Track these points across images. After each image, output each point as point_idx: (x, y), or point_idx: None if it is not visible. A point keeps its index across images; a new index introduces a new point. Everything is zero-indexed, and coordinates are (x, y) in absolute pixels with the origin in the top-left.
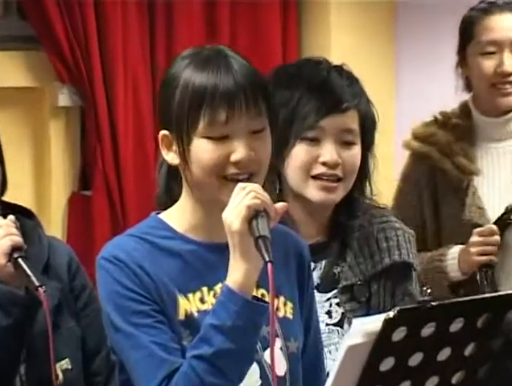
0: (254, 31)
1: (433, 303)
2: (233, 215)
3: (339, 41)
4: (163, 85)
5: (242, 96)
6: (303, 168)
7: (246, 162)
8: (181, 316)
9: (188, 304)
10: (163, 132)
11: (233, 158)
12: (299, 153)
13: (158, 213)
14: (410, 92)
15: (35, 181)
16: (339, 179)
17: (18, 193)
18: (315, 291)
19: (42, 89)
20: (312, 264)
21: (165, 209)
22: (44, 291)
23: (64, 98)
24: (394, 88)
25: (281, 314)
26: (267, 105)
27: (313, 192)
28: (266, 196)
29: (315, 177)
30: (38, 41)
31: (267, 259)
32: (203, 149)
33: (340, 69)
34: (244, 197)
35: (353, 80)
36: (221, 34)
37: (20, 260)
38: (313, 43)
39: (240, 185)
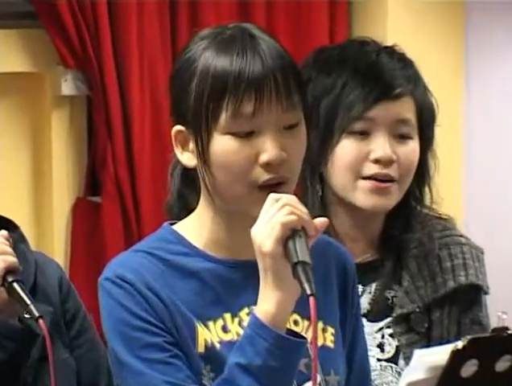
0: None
1: (510, 332)
2: (265, 233)
3: (397, 24)
4: (177, 71)
5: (272, 83)
6: (351, 167)
7: (277, 164)
8: (200, 348)
9: (209, 334)
10: (177, 127)
11: (262, 158)
12: (345, 149)
13: (172, 223)
14: (481, 85)
15: (33, 184)
16: (392, 180)
17: (14, 199)
18: (364, 319)
19: (42, 75)
20: (360, 287)
21: (178, 220)
22: (30, 318)
23: (68, 85)
24: (463, 80)
25: (319, 342)
26: (302, 95)
27: (362, 196)
28: (303, 210)
29: (365, 178)
30: (37, 17)
31: (309, 292)
32: (226, 148)
33: (391, 50)
34: (277, 211)
35: (406, 63)
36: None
37: (15, 284)
38: (365, 27)
39: (272, 196)
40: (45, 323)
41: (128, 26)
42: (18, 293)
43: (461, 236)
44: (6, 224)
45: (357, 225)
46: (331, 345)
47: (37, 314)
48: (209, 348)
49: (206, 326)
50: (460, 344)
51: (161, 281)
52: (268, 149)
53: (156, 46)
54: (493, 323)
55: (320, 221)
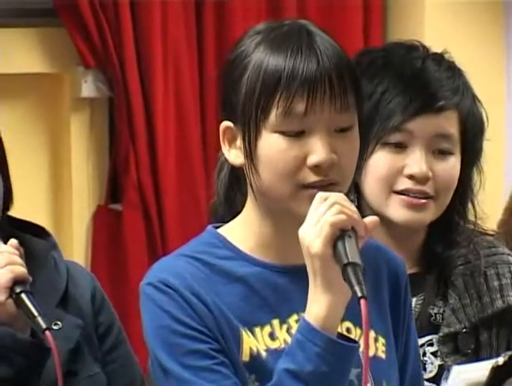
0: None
1: None
2: (313, 234)
3: (435, 25)
4: (229, 65)
5: (327, 83)
6: (384, 181)
7: (326, 166)
8: (245, 357)
9: (255, 341)
10: (226, 123)
11: (310, 160)
12: (379, 161)
13: (217, 227)
14: None
15: (53, 191)
16: (428, 197)
17: (32, 206)
18: None
19: (61, 76)
20: None
21: (222, 223)
22: (56, 329)
23: (88, 87)
24: (504, 85)
25: (371, 352)
26: (357, 98)
27: (396, 210)
28: (353, 209)
29: (398, 192)
30: (57, 15)
31: (360, 294)
32: (274, 147)
33: (439, 58)
34: (326, 211)
35: (454, 72)
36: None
37: (23, 295)
38: (401, 28)
39: (320, 195)
40: (73, 336)
41: (152, 24)
42: (26, 305)
43: (508, 254)
44: (39, 232)
45: (394, 237)
46: (382, 355)
47: (44, 326)
48: (254, 357)
49: (252, 332)
50: (500, 360)
51: (206, 286)
52: (318, 150)
53: (181, 45)
54: None
55: (371, 220)
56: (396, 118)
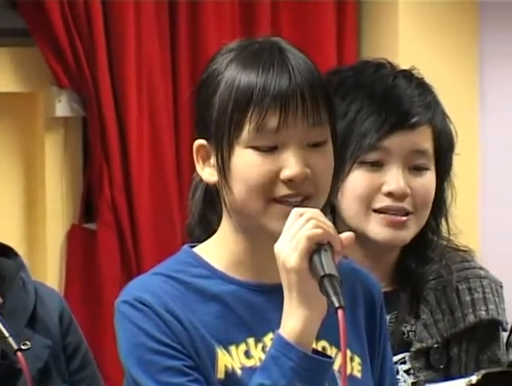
0: (302, 32)
1: None
2: (290, 248)
3: (408, 40)
4: (202, 83)
5: (299, 97)
6: (363, 199)
7: (300, 180)
8: (220, 374)
9: (230, 359)
10: (199, 141)
11: (284, 174)
12: (357, 180)
13: (193, 246)
14: (498, 106)
15: (26, 210)
16: (408, 213)
17: (5, 225)
18: None
19: (35, 95)
20: None
21: (198, 243)
22: (25, 349)
23: (62, 107)
24: (478, 99)
25: (347, 371)
26: (330, 114)
27: (376, 229)
28: (329, 225)
29: (377, 211)
30: (30, 35)
31: (337, 304)
32: (247, 162)
33: (409, 74)
34: (302, 226)
35: (425, 89)
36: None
37: None
38: (376, 46)
39: (296, 210)
40: (42, 356)
41: (125, 43)
42: None
43: (480, 268)
44: (6, 252)
45: (370, 256)
46: (358, 375)
47: (16, 347)
48: (230, 374)
49: (228, 351)
50: (474, 379)
51: (181, 305)
52: (291, 164)
53: (155, 65)
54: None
55: (347, 236)
56: (372, 137)
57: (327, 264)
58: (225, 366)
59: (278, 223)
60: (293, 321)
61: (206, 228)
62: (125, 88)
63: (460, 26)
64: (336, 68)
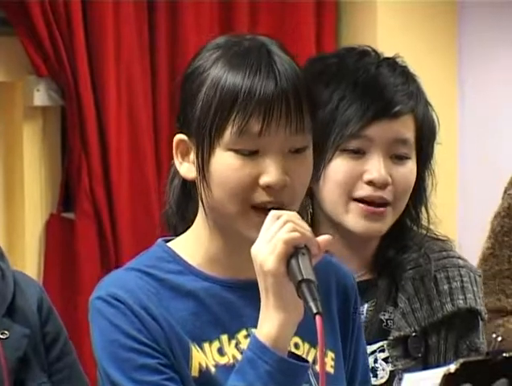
0: (280, 29)
1: (505, 355)
2: (267, 251)
3: (387, 30)
4: (187, 77)
5: (284, 104)
6: (343, 187)
7: (278, 188)
8: (194, 372)
9: (203, 357)
10: (180, 136)
11: (263, 180)
12: (338, 168)
13: (167, 241)
14: (475, 98)
15: (5, 200)
16: (387, 203)
17: None
18: None
19: (13, 84)
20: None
21: (175, 234)
22: (3, 338)
23: (40, 96)
24: (457, 89)
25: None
26: (313, 119)
27: (354, 220)
28: (306, 228)
29: (357, 200)
30: (9, 24)
31: (315, 310)
32: (227, 165)
33: (392, 62)
34: (279, 229)
35: (408, 77)
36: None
37: None
38: (354, 40)
39: (273, 213)
40: (21, 346)
41: (104, 33)
42: None
43: (459, 257)
44: None
45: (349, 245)
46: (331, 370)
47: None
48: (204, 372)
49: (201, 348)
50: (452, 368)
51: (155, 301)
52: (271, 171)
53: (134, 54)
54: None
55: (324, 239)
56: (354, 125)
57: (304, 269)
58: (199, 363)
59: (254, 230)
60: (269, 324)
61: (183, 218)
62: (103, 78)
63: (438, 19)
64: (319, 55)
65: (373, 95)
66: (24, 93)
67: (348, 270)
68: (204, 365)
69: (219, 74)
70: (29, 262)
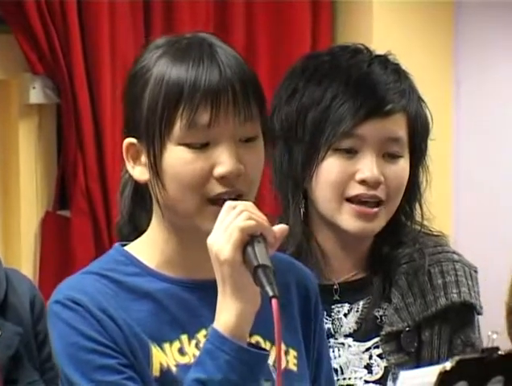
0: (277, 29)
1: (501, 352)
2: (222, 240)
3: (383, 29)
4: (130, 81)
5: (230, 94)
6: (336, 187)
7: (234, 177)
8: (155, 372)
9: (164, 357)
10: (129, 140)
11: (217, 171)
12: (330, 167)
13: (124, 245)
14: (471, 96)
15: (0, 197)
16: (380, 202)
17: None
18: (350, 339)
19: (8, 82)
20: (347, 306)
21: (128, 242)
22: None
23: (36, 93)
24: (452, 86)
25: (282, 365)
26: (261, 109)
27: (348, 220)
28: (262, 217)
29: (350, 199)
30: (4, 21)
31: (271, 293)
32: (179, 160)
33: (384, 60)
34: (235, 218)
35: (400, 75)
36: (234, 27)
37: None
38: (349, 33)
39: (229, 203)
40: (13, 344)
41: (100, 30)
42: None
43: (454, 252)
44: None
45: (342, 244)
46: (294, 368)
47: None
48: (165, 372)
49: (162, 348)
50: (448, 365)
51: (114, 303)
52: (224, 161)
53: (129, 51)
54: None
55: (280, 228)
56: (346, 123)
57: (260, 255)
58: (160, 363)
59: (210, 224)
60: (227, 314)
61: (135, 227)
62: (99, 75)
63: (434, 19)
64: (312, 53)
65: (365, 93)
66: (20, 91)
67: (308, 272)
68: (165, 365)
69: (162, 70)
70: (24, 260)
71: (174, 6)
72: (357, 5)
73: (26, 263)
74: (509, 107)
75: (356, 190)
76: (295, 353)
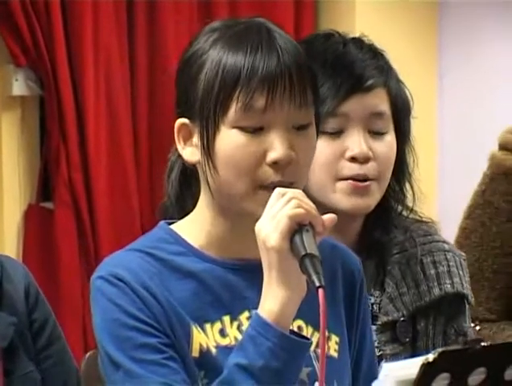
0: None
1: (483, 344)
2: (271, 227)
3: (366, 22)
4: (185, 63)
5: (287, 79)
6: (328, 169)
7: (284, 163)
8: (195, 352)
9: (205, 337)
10: (181, 120)
11: (269, 157)
12: (319, 150)
13: (170, 223)
14: (454, 72)
15: None
16: (371, 179)
17: None
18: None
19: None
20: None
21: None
22: None
23: (19, 85)
24: (436, 66)
25: None
26: (315, 96)
27: (341, 198)
28: (311, 205)
29: (342, 179)
30: None
31: (318, 284)
32: (233, 143)
33: (358, 40)
34: (284, 205)
35: (376, 53)
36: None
37: None
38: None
39: (278, 190)
40: (7, 334)
41: (83, 23)
42: None
43: (444, 241)
44: None
45: (335, 228)
46: (335, 354)
47: None
48: (204, 353)
49: (203, 329)
50: (430, 357)
51: (157, 281)
52: (277, 147)
53: (112, 44)
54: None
55: (329, 217)
56: (329, 104)
57: (308, 244)
58: (200, 344)
59: (261, 209)
60: (272, 301)
61: (181, 209)
62: (82, 68)
63: (418, 14)
64: None
65: (343, 72)
66: (3, 83)
67: (354, 256)
68: (204, 346)
69: (219, 54)
70: (7, 252)
71: (157, 1)
72: (340, 4)
73: (9, 254)
74: (492, 94)
75: (347, 169)
76: (337, 339)
